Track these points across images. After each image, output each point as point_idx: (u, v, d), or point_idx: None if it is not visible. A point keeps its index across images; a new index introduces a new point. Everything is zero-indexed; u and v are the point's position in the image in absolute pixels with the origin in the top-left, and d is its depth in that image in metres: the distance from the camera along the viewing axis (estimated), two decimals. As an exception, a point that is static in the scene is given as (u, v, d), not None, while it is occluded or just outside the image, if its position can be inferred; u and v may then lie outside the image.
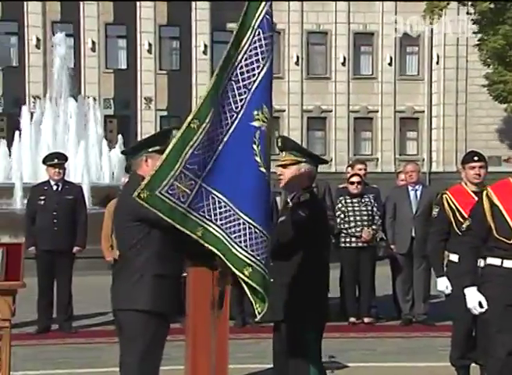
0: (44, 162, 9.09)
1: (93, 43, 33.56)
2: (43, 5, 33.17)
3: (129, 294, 4.44)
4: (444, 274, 6.13)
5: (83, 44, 33.32)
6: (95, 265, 11.19)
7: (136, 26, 33.74)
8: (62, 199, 8.86)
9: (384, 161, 35.18)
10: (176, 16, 34.17)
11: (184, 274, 4.92)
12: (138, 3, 33.40)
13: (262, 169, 4.22)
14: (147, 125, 32.97)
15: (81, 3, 33.03)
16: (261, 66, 4.24)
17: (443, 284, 6.12)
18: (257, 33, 4.22)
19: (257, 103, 4.24)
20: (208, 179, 4.15)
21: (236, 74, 4.21)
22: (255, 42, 4.22)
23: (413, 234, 9.09)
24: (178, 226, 4.12)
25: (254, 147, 4.21)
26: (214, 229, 4.17)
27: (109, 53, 34.85)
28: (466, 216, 5.50)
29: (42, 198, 8.88)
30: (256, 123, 4.23)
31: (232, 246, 4.18)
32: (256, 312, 4.29)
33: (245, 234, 4.18)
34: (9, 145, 21.87)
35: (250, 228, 4.18)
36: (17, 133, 22.25)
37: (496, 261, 4.92)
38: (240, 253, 4.18)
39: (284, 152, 5.14)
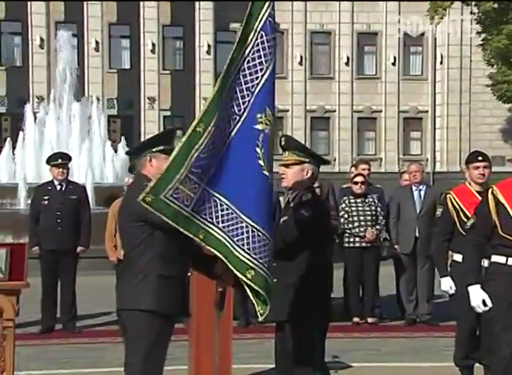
0: (47, 162, 9.10)
1: (96, 43, 33.59)
2: (47, 5, 33.21)
3: (133, 294, 4.44)
4: (448, 274, 6.12)
5: (86, 44, 33.36)
6: (99, 265, 11.20)
7: (140, 26, 33.77)
8: (66, 199, 8.87)
9: (388, 161, 35.17)
10: (179, 16, 34.19)
11: (188, 274, 4.93)
12: (142, 3, 33.43)
13: (265, 173, 4.22)
14: (150, 125, 33.00)
15: (85, 3, 33.08)
16: (264, 68, 4.23)
17: (447, 284, 6.11)
18: (259, 35, 4.21)
19: (260, 106, 4.24)
20: (212, 182, 4.14)
21: (239, 77, 4.20)
22: (258, 45, 4.21)
23: (417, 234, 9.08)
24: (182, 230, 4.12)
25: (258, 150, 4.21)
26: (216, 232, 4.17)
27: (113, 53, 34.89)
28: (470, 215, 5.50)
29: (46, 198, 8.89)
30: (259, 126, 4.23)
31: (235, 249, 4.18)
32: (258, 314, 4.29)
33: (248, 237, 4.18)
34: (13, 145, 21.90)
35: (253, 231, 4.18)
36: (21, 133, 22.28)
37: (501, 259, 4.92)
38: (243, 256, 4.18)
39: (287, 152, 5.14)
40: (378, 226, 9.16)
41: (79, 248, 8.89)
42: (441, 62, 35.72)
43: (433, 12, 25.72)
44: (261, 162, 4.20)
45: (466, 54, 34.79)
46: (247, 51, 4.20)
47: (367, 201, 9.23)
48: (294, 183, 5.09)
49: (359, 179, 9.28)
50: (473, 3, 26.76)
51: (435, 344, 8.02)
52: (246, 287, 4.24)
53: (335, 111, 35.58)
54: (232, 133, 4.21)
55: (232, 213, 4.18)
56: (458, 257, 5.85)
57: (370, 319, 9.17)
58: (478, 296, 4.89)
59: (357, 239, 9.14)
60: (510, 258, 4.87)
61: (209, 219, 4.15)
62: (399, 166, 33.26)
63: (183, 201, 4.04)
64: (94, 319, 9.47)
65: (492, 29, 26.45)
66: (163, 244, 4.41)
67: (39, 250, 8.81)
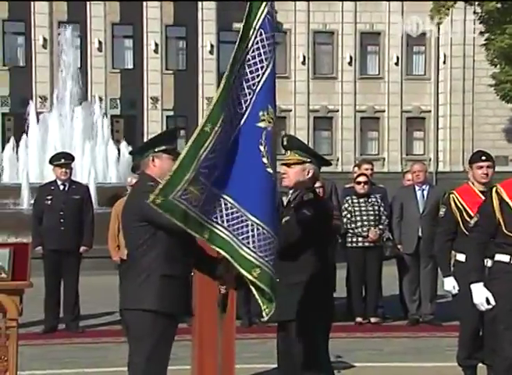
0: (50, 162, 9.11)
1: (99, 43, 33.61)
2: (50, 5, 33.23)
3: (136, 294, 4.44)
4: (451, 274, 6.11)
5: (89, 44, 33.38)
6: (102, 265, 11.20)
7: (143, 26, 33.78)
8: (69, 199, 8.88)
9: (391, 161, 35.15)
10: (182, 16, 34.20)
11: (191, 274, 4.93)
12: (145, 3, 33.44)
13: (269, 170, 4.22)
14: (153, 125, 33.00)
15: (88, 3, 33.09)
16: (265, 66, 4.24)
17: (450, 284, 6.11)
18: (259, 33, 4.22)
19: (262, 104, 4.24)
20: (217, 181, 4.15)
21: (241, 76, 4.21)
22: (257, 43, 4.22)
23: (420, 234, 9.07)
24: (189, 231, 4.12)
25: (261, 148, 4.21)
26: (221, 231, 4.17)
27: (116, 53, 34.90)
28: (473, 215, 5.50)
29: (49, 197, 8.90)
30: (262, 124, 4.23)
31: (240, 247, 4.18)
32: (264, 314, 4.29)
33: (253, 236, 4.18)
34: (16, 145, 21.92)
35: (258, 229, 4.19)
36: (24, 133, 22.30)
37: (505, 257, 4.92)
38: (249, 254, 4.18)
39: (289, 151, 5.14)
40: (381, 226, 9.16)
41: (82, 248, 8.90)
42: (444, 62, 35.70)
43: (436, 11, 25.69)
44: (264, 160, 4.21)
45: (469, 54, 34.75)
46: (247, 50, 4.21)
47: (370, 201, 9.23)
48: (295, 182, 5.09)
49: (362, 179, 9.28)
50: (476, 3, 26.71)
51: (438, 344, 8.01)
52: (251, 286, 4.24)
53: (338, 111, 35.57)
54: (236, 132, 4.21)
55: (237, 212, 4.18)
56: (461, 257, 5.84)
57: (373, 319, 9.17)
58: (481, 294, 4.89)
59: (360, 239, 9.14)
60: None
61: (214, 219, 4.15)
62: (402, 166, 33.24)
63: (191, 202, 4.04)
64: (97, 319, 9.48)
65: (495, 29, 26.41)
66: (166, 244, 4.42)
67: (42, 250, 8.81)
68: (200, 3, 33.87)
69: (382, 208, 9.24)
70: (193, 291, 5.31)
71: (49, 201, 8.88)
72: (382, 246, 9.26)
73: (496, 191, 4.96)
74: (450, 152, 35.47)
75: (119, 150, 21.88)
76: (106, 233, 8.79)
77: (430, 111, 36.10)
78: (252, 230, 4.18)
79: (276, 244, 4.27)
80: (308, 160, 5.09)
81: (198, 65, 34.21)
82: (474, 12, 27.56)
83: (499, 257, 4.97)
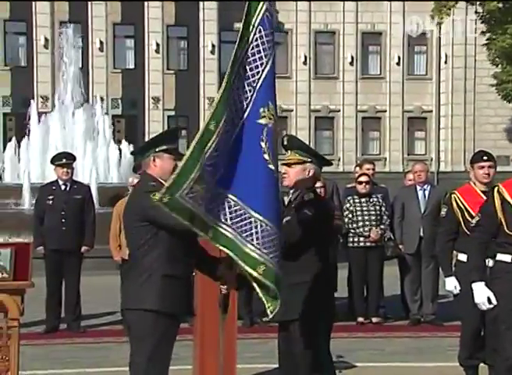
0: (52, 162, 9.11)
1: (101, 43, 33.61)
2: (51, 5, 33.24)
3: (138, 294, 4.44)
4: (452, 274, 6.11)
5: (91, 44, 33.39)
6: (103, 265, 11.21)
7: (144, 26, 33.78)
8: (71, 199, 8.88)
9: (392, 161, 35.15)
10: (183, 16, 34.21)
11: (193, 274, 4.93)
12: (146, 3, 33.44)
13: (271, 167, 4.24)
14: (154, 125, 33.00)
15: (89, 3, 33.10)
16: (264, 63, 4.25)
17: (452, 284, 6.11)
18: (258, 31, 4.23)
19: (262, 101, 4.26)
20: (220, 180, 4.16)
21: (241, 73, 4.22)
22: (257, 40, 4.24)
23: (421, 234, 9.07)
24: (195, 230, 4.12)
25: (262, 144, 4.22)
26: (224, 229, 4.17)
27: (117, 53, 34.91)
28: (474, 215, 5.50)
29: (50, 197, 8.91)
30: (263, 121, 4.24)
31: (244, 245, 4.18)
32: (268, 312, 4.29)
33: (257, 232, 4.19)
34: (18, 145, 21.92)
35: (261, 226, 4.19)
36: (25, 133, 22.30)
37: (506, 257, 4.92)
38: (253, 251, 4.19)
39: (289, 151, 5.14)
40: (382, 226, 9.15)
41: (83, 248, 8.90)
42: (445, 62, 35.68)
43: (438, 11, 25.66)
44: (266, 157, 4.22)
45: (470, 53, 34.73)
46: (246, 48, 4.22)
47: (371, 200, 9.23)
48: (296, 182, 5.10)
49: (363, 179, 9.27)
50: (477, 3, 26.70)
51: (439, 344, 8.01)
52: (255, 285, 4.24)
53: (339, 111, 35.56)
54: (237, 130, 4.22)
55: (240, 209, 4.19)
56: (463, 257, 5.84)
57: (374, 319, 9.17)
58: (482, 293, 4.89)
59: (362, 239, 9.14)
60: None
61: (218, 218, 4.16)
62: (403, 166, 33.24)
63: (197, 201, 4.05)
64: (99, 319, 9.48)
65: (496, 28, 26.39)
66: (168, 244, 4.42)
67: (43, 250, 8.82)
68: (201, 3, 33.87)
69: (383, 208, 9.23)
70: (194, 290, 5.31)
71: (50, 201, 8.88)
72: (384, 246, 9.25)
73: (498, 191, 4.96)
74: (452, 152, 35.45)
75: (120, 150, 21.87)
76: (107, 233, 8.80)
77: (431, 111, 36.09)
78: (256, 227, 4.18)
79: (281, 241, 4.27)
80: (309, 160, 5.10)
81: (199, 65, 34.21)
82: (476, 12, 27.54)
83: (500, 257, 4.97)
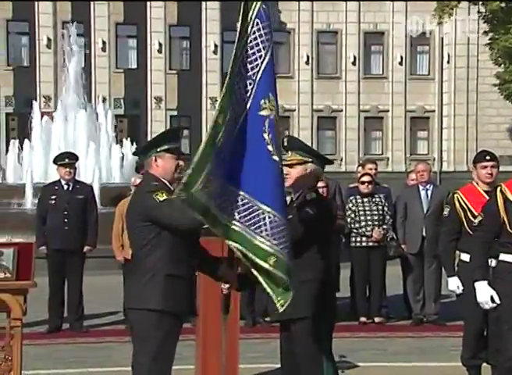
0: (54, 161, 9.12)
1: (103, 43, 33.64)
2: (53, 5, 33.26)
3: (141, 294, 4.45)
4: (455, 274, 6.11)
5: (93, 44, 33.41)
6: (106, 264, 11.21)
7: (147, 26, 33.80)
8: (73, 199, 8.89)
9: (394, 160, 35.14)
10: (186, 15, 34.22)
11: (195, 274, 4.93)
12: (148, 3, 33.47)
13: (275, 158, 4.25)
14: (157, 125, 33.01)
15: (92, 3, 33.13)
16: (263, 55, 4.26)
17: (454, 284, 6.10)
18: (255, 23, 4.25)
19: (263, 92, 4.27)
20: (226, 173, 4.16)
21: (240, 67, 4.23)
22: (254, 33, 4.25)
23: (424, 234, 9.06)
24: (208, 225, 4.13)
25: (265, 136, 4.23)
26: (234, 224, 4.17)
27: (119, 53, 34.93)
28: (477, 215, 5.49)
29: (53, 197, 8.91)
30: (264, 112, 4.25)
31: (254, 237, 4.18)
32: (278, 306, 4.28)
33: (265, 224, 4.19)
34: (20, 145, 21.93)
35: (269, 217, 4.20)
36: (28, 132, 22.32)
37: (509, 257, 4.92)
38: (262, 243, 4.19)
39: (290, 152, 5.15)
40: (385, 226, 9.15)
41: (86, 248, 8.91)
42: (448, 62, 35.66)
43: (440, 11, 25.64)
44: (269, 148, 4.23)
45: (473, 53, 34.72)
46: (244, 41, 4.24)
47: (374, 200, 9.23)
48: (298, 182, 5.10)
49: (366, 178, 9.27)
50: (480, 2, 26.68)
51: (442, 343, 8.00)
52: (262, 282, 4.24)
53: (341, 110, 35.56)
54: (240, 123, 4.23)
55: (248, 202, 4.19)
56: (465, 257, 5.84)
57: (377, 319, 9.16)
58: (485, 292, 4.88)
59: (364, 238, 9.14)
60: None
61: (226, 212, 4.16)
62: (406, 166, 33.25)
63: (210, 195, 4.06)
64: (101, 319, 9.49)
65: (499, 28, 26.36)
66: (171, 244, 4.42)
67: (46, 250, 8.82)
68: (203, 3, 33.88)
69: (385, 208, 9.23)
70: (197, 290, 5.31)
71: (53, 201, 8.88)
72: (386, 246, 9.25)
73: (501, 191, 4.96)
74: (454, 152, 35.44)
75: (122, 150, 21.88)
76: (110, 233, 8.80)
77: (434, 110, 36.08)
78: (264, 219, 4.19)
79: (289, 232, 4.27)
80: (309, 160, 5.10)
81: (202, 65, 34.22)
82: (478, 12, 27.51)
83: (503, 257, 4.97)
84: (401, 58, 35.54)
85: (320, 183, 6.45)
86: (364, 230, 9.11)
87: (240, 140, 4.22)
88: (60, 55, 29.67)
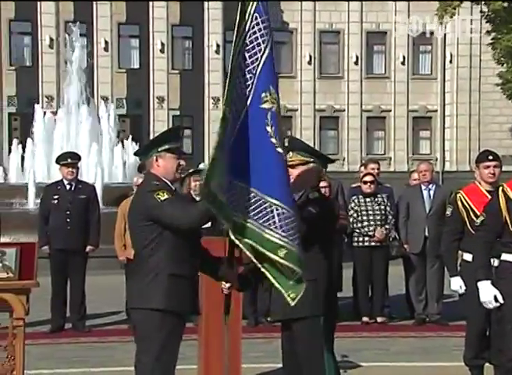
0: (57, 161, 9.13)
1: (106, 43, 33.64)
2: (56, 5, 33.28)
3: (144, 294, 4.45)
4: (458, 274, 6.10)
5: (96, 44, 33.41)
6: (108, 264, 11.20)
7: (149, 26, 33.80)
8: (75, 198, 8.89)
9: (397, 160, 35.13)
10: (188, 15, 34.22)
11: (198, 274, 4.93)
12: (151, 3, 33.46)
13: (279, 150, 4.26)
14: (159, 124, 33.00)
15: (94, 3, 33.13)
16: (263, 49, 4.27)
17: (457, 284, 6.09)
18: (254, 17, 4.26)
19: (263, 86, 4.28)
20: (232, 167, 4.18)
21: (240, 61, 4.24)
22: (253, 27, 4.26)
23: (426, 234, 9.05)
24: (222, 220, 4.14)
25: (268, 128, 4.24)
26: (242, 219, 4.18)
27: (122, 53, 34.94)
28: (479, 215, 5.48)
29: (55, 197, 8.92)
30: (266, 105, 4.26)
31: (263, 231, 4.19)
32: (289, 300, 4.29)
33: (273, 216, 4.20)
34: (23, 145, 21.96)
35: (277, 209, 4.21)
36: (31, 132, 22.35)
37: (511, 257, 4.91)
38: (272, 236, 4.20)
39: (291, 153, 5.15)
40: (387, 226, 9.15)
41: (88, 248, 8.91)
42: (450, 61, 35.65)
43: (443, 11, 25.62)
44: (273, 140, 4.24)
45: (475, 53, 34.70)
46: (244, 35, 4.25)
47: (376, 200, 9.22)
48: (300, 182, 5.10)
49: (368, 178, 9.27)
50: (482, 2, 26.66)
51: (444, 343, 8.00)
52: (270, 277, 4.23)
53: (344, 110, 35.55)
54: (242, 117, 4.23)
55: (254, 197, 4.21)
56: (468, 256, 5.84)
57: (379, 319, 9.16)
58: (488, 292, 4.88)
59: (367, 238, 9.14)
60: None
61: (235, 207, 4.17)
62: (408, 166, 33.20)
63: (224, 192, 4.08)
64: (104, 319, 9.50)
65: (501, 28, 26.34)
66: (173, 243, 4.42)
67: (48, 249, 8.83)
68: (206, 3, 33.88)
69: (388, 208, 9.23)
70: (199, 290, 5.31)
71: (55, 201, 8.89)
72: (389, 246, 9.25)
73: (503, 190, 4.96)
74: (457, 152, 35.42)
75: (124, 150, 21.90)
76: (112, 233, 8.81)
77: (436, 110, 36.05)
78: (272, 212, 4.20)
79: (298, 223, 4.27)
80: (311, 160, 5.11)
81: (204, 64, 34.22)
82: (481, 11, 27.49)
83: (505, 257, 4.97)
84: (403, 57, 35.52)
85: (322, 183, 6.44)
86: (366, 229, 9.11)
87: (244, 134, 4.23)
88: (62, 55, 29.69)
